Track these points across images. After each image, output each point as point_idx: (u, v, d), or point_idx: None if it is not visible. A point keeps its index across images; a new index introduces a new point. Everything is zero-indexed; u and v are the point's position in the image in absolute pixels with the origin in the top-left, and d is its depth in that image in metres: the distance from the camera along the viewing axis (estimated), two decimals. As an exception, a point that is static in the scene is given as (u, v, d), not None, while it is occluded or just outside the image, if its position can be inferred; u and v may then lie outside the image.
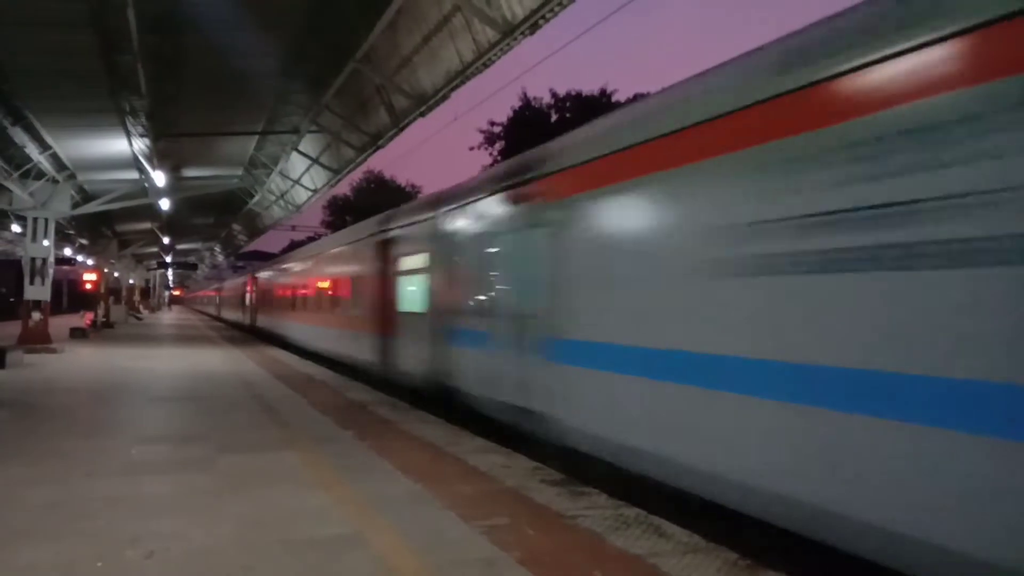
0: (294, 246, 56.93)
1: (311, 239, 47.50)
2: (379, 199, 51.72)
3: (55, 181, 20.47)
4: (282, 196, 30.02)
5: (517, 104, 42.92)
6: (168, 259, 50.55)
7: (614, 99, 41.00)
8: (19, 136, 16.47)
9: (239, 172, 26.41)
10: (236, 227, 43.72)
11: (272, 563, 4.11)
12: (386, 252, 12.76)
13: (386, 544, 4.45)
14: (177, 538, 4.49)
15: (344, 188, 64.91)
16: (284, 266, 26.15)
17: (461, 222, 9.55)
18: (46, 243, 20.37)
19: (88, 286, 34.46)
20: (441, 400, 9.96)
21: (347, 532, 4.70)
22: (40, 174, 19.80)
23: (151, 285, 69.05)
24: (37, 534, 4.56)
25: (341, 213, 61.42)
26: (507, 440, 7.90)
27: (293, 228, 53.33)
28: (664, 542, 4.62)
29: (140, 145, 17.94)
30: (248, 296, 35.24)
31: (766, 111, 4.67)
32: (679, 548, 4.51)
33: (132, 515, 4.97)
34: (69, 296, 60.29)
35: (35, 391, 11.50)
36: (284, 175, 26.34)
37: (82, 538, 4.48)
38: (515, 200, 7.98)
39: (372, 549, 4.37)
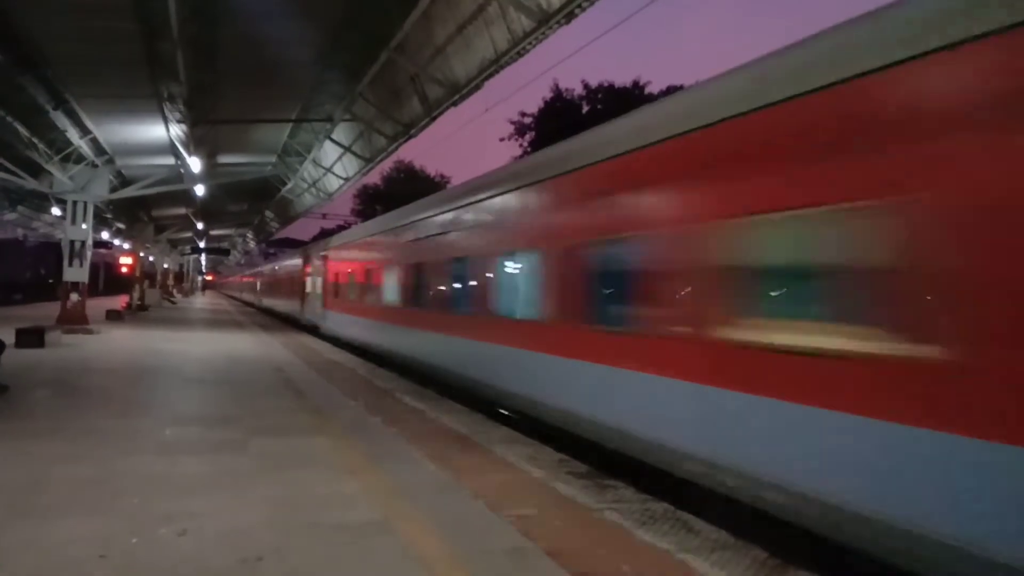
0: (324, 234, 57.61)
1: (341, 227, 48.34)
2: (409, 189, 51.79)
3: (94, 165, 20.91)
4: (314, 184, 30.26)
5: (548, 95, 42.71)
6: (202, 244, 51.38)
7: (647, 91, 40.48)
8: (60, 120, 16.85)
9: (273, 159, 26.68)
10: (268, 214, 44.22)
11: (302, 546, 4.16)
12: (303, 266, 27.34)
13: (414, 531, 4.48)
14: (209, 518, 4.57)
15: (375, 177, 65.39)
16: (268, 267, 44.64)
17: (316, 260, 24.52)
18: (84, 226, 20.82)
19: (124, 269, 35.16)
20: (315, 332, 22.42)
21: (376, 518, 4.74)
22: (80, 158, 20.25)
23: (185, 270, 70.34)
24: (75, 510, 4.68)
25: (371, 202, 61.56)
26: (533, 432, 7.91)
27: (324, 216, 54.05)
28: (692, 538, 4.58)
29: (177, 131, 18.22)
30: (256, 284, 50.39)
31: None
32: (707, 544, 4.47)
33: (166, 494, 5.07)
34: (105, 279, 61.66)
35: (73, 370, 11.80)
36: (317, 163, 26.55)
37: (118, 515, 4.58)
38: (316, 257, 24.67)
39: (400, 535, 4.40)
